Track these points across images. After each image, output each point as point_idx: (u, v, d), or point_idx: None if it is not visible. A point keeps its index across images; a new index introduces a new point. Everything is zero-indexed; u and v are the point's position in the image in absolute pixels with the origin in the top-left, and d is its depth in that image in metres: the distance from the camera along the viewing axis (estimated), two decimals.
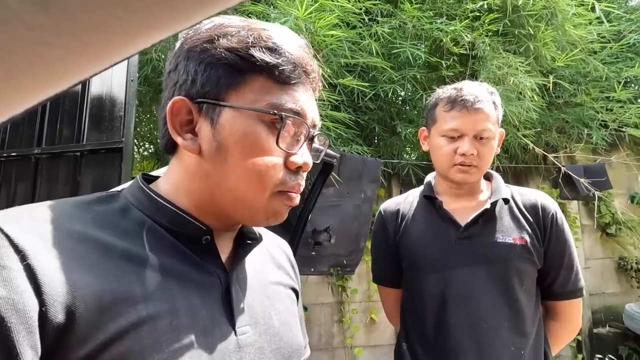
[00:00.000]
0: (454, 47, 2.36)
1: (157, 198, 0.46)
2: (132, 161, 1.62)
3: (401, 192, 2.03)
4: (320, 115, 2.05)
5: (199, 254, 0.46)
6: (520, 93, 2.46)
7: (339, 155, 1.67)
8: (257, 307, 0.50)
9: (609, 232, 3.45)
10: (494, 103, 0.96)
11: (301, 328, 0.59)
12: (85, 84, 1.67)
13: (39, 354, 0.34)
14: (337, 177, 1.98)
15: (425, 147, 1.06)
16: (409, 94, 2.64)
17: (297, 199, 0.48)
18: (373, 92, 2.34)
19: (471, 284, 0.93)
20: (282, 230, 1.69)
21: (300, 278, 0.66)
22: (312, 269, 2.11)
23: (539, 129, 2.91)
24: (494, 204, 0.98)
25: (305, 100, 0.47)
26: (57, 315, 0.35)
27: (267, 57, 0.43)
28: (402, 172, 2.78)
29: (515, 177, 3.33)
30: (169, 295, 0.41)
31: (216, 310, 0.45)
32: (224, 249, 0.50)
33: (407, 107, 2.81)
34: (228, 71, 0.43)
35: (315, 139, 0.51)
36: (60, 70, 0.12)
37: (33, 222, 0.38)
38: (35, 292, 0.34)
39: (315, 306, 2.84)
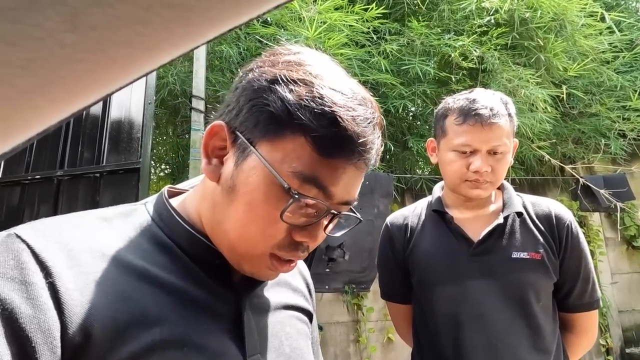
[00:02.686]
0: (463, 62, 2.38)
1: (176, 217, 0.46)
2: (149, 181, 1.67)
3: None
4: None
5: (213, 278, 0.46)
6: (532, 104, 2.45)
7: None
8: (267, 332, 0.49)
9: (635, 245, 3.31)
10: (509, 115, 0.91)
11: (315, 351, 0.58)
12: (105, 107, 1.75)
13: None
14: None
15: (433, 160, 1.00)
16: (420, 109, 2.65)
17: (286, 268, 0.45)
18: (384, 108, 2.36)
19: (485, 302, 0.89)
20: None
21: (315, 296, 0.64)
22: (327, 287, 2.08)
23: (554, 140, 2.87)
24: (506, 218, 0.93)
25: (344, 177, 0.42)
26: (75, 336, 0.35)
27: (314, 124, 0.39)
28: (415, 186, 2.76)
29: (532, 189, 3.26)
30: (182, 320, 0.41)
31: (227, 337, 0.44)
32: (238, 274, 0.48)
33: (418, 122, 2.82)
34: (270, 119, 0.40)
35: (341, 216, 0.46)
36: (90, 84, 0.13)
37: (57, 237, 0.39)
38: (57, 311, 0.35)
39: (330, 325, 2.78)
